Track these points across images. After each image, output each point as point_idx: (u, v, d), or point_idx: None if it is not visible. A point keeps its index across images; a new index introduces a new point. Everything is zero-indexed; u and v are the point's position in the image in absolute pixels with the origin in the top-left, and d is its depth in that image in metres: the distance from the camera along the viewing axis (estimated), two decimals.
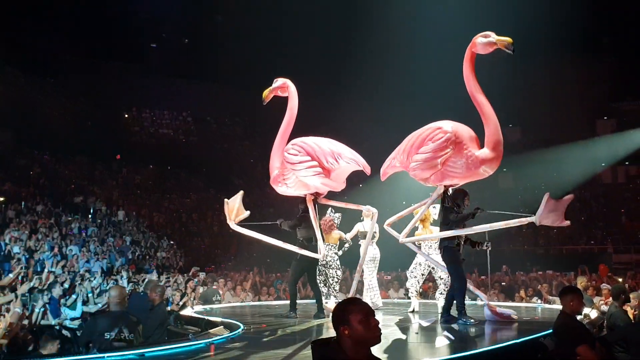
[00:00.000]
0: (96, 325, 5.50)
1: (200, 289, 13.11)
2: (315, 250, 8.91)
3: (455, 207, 8.00)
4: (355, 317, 2.88)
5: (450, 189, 8.12)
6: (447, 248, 8.00)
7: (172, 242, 22.08)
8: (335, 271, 9.74)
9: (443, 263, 8.53)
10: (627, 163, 28.72)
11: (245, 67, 26.62)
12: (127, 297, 5.75)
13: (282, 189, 8.91)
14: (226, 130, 32.69)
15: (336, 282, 9.79)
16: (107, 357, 4.95)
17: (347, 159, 8.40)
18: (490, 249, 8.30)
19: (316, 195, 8.87)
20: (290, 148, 8.56)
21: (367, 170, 8.58)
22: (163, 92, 30.30)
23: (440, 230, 8.17)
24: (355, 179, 9.76)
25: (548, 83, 26.99)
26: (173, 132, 31.63)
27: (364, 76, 24.75)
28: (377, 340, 2.93)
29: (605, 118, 30.38)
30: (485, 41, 7.48)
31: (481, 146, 7.71)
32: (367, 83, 24.89)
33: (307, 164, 8.36)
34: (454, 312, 8.04)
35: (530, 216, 7.43)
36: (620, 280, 13.39)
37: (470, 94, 7.81)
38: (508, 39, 7.33)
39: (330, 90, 27.08)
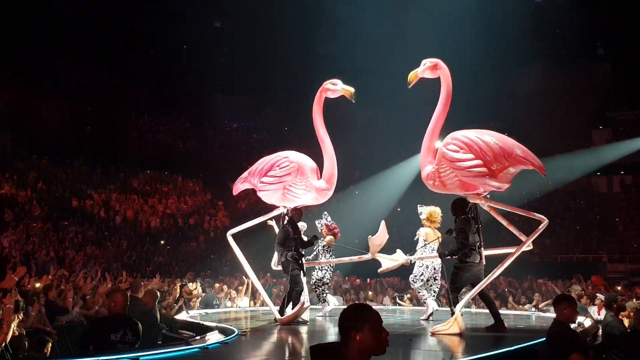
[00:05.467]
0: (102, 326, 5.54)
1: (198, 293, 13.18)
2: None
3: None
4: (370, 325, 2.91)
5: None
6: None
7: (168, 247, 22.05)
8: (325, 273, 9.90)
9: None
10: (622, 172, 28.81)
11: (242, 74, 26.71)
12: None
13: (436, 187, 8.16)
14: (223, 136, 32.73)
15: (327, 285, 10.01)
16: (102, 359, 4.96)
17: (518, 157, 7.51)
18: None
19: (478, 194, 8.07)
20: (451, 143, 7.78)
21: (543, 171, 7.62)
22: (161, 97, 30.32)
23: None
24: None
25: (544, 92, 27.12)
26: (170, 137, 31.62)
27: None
28: (383, 351, 2.95)
29: (600, 127, 30.49)
30: (333, 88, 8.82)
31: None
32: None
33: (470, 163, 7.58)
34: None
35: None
36: (619, 288, 13.44)
37: (316, 129, 8.94)
38: (351, 89, 8.66)
39: None
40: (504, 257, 8.06)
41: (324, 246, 10.26)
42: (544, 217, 7.99)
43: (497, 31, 22.02)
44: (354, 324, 2.92)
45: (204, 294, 13.25)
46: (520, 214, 8.13)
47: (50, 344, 7.31)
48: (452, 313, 8.01)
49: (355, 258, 9.94)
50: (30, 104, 26.86)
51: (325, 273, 10.21)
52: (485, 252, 8.18)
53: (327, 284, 10.33)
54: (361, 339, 2.88)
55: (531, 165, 7.51)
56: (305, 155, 9.05)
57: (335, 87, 8.80)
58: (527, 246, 8.00)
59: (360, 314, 2.96)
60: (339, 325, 2.98)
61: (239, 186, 9.55)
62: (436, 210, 9.94)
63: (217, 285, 14.17)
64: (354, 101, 8.69)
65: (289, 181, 8.70)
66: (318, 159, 8.99)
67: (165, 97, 30.30)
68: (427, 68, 8.29)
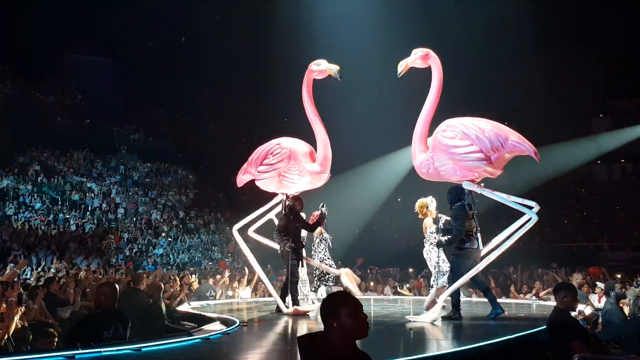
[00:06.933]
0: (94, 323, 5.44)
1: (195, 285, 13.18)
2: None
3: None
4: (345, 310, 2.94)
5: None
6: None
7: (169, 239, 22.10)
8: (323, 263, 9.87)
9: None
10: (622, 160, 28.80)
11: (243, 66, 26.61)
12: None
13: (430, 175, 8.18)
14: (223, 128, 32.70)
15: (324, 274, 9.94)
16: (104, 352, 4.96)
17: (514, 143, 7.62)
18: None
19: (472, 181, 8.05)
20: (446, 130, 7.84)
21: (537, 157, 7.72)
22: (161, 90, 30.25)
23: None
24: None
25: (544, 80, 27.01)
26: (170, 130, 31.60)
27: None
28: (364, 334, 2.98)
29: (601, 116, 30.43)
30: (317, 69, 8.78)
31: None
32: None
33: (466, 149, 7.64)
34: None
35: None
36: (618, 276, 13.47)
37: (308, 114, 8.92)
38: (335, 67, 8.62)
39: None
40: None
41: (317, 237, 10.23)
42: (536, 205, 7.92)
43: (497, 18, 21.92)
44: (330, 312, 2.97)
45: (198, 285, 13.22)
46: (514, 201, 8.01)
47: (56, 337, 7.34)
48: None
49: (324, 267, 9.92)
50: (30, 97, 26.83)
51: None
52: (494, 240, 8.17)
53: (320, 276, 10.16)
54: (339, 325, 2.93)
55: (526, 151, 7.61)
56: (302, 140, 9.05)
57: (320, 67, 8.77)
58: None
59: (335, 301, 3.01)
60: (320, 315, 3.03)
61: (241, 178, 9.61)
62: (422, 202, 9.62)
63: (218, 276, 14.17)
64: (339, 79, 8.64)
65: (283, 168, 8.76)
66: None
67: (165, 89, 30.22)
68: (418, 58, 8.35)
